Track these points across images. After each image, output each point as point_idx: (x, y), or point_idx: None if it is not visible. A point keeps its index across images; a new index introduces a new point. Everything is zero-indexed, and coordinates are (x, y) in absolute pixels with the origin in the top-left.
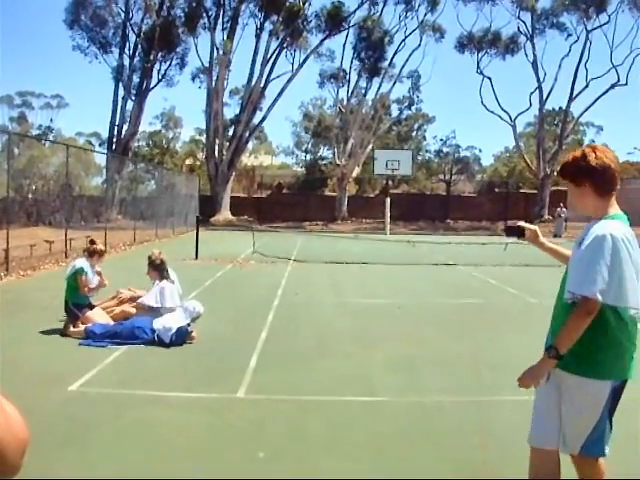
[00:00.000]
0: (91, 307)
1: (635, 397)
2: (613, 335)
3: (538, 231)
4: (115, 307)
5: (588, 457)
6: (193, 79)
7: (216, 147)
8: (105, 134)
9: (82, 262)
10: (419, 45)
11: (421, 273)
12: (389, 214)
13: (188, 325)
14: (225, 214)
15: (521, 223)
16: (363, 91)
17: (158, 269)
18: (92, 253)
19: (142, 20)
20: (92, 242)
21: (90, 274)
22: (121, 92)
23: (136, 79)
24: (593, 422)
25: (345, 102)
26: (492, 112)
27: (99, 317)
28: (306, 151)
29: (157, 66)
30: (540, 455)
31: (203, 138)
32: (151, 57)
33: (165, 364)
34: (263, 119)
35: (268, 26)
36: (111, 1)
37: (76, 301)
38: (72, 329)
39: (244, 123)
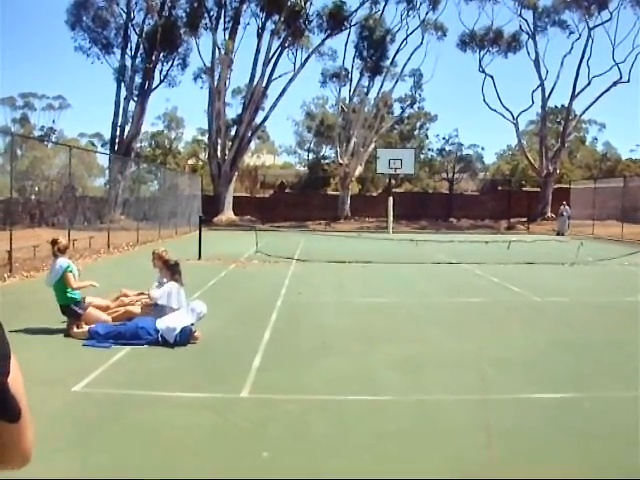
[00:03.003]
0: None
1: (635, 397)
2: None
3: None
4: (119, 307)
5: None
6: (195, 79)
7: (218, 147)
8: (107, 135)
9: (64, 261)
10: (421, 43)
11: (424, 272)
12: (392, 213)
13: (192, 325)
14: (228, 214)
15: None
16: (365, 90)
17: (171, 269)
18: (64, 249)
19: (144, 21)
20: (54, 242)
21: (75, 271)
22: (123, 93)
23: (138, 80)
24: None
25: (347, 101)
26: (494, 110)
27: (99, 313)
28: (308, 150)
29: (159, 66)
30: None
31: (205, 138)
32: (153, 57)
33: (169, 364)
34: (265, 119)
35: (270, 26)
36: (113, 2)
37: (72, 301)
38: (76, 330)
39: (246, 123)
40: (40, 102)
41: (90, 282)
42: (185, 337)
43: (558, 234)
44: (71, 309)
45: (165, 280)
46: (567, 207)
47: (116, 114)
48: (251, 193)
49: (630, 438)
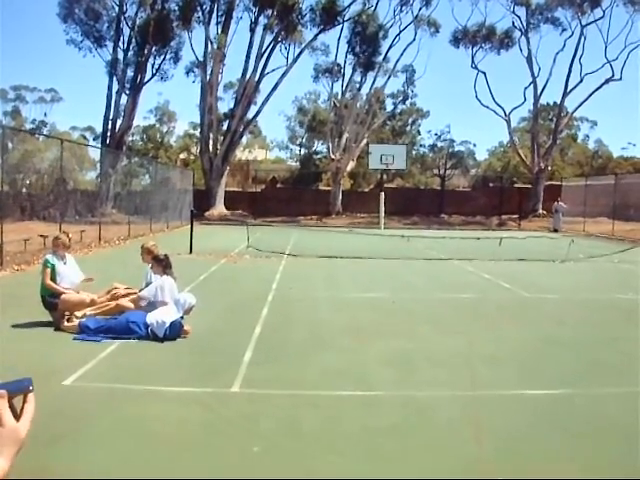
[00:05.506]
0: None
1: (635, 396)
2: None
3: None
4: (110, 301)
5: None
6: (187, 73)
7: (210, 141)
8: (99, 128)
9: (48, 256)
10: (414, 39)
11: (415, 268)
12: (383, 208)
13: (181, 318)
14: (219, 208)
15: None
16: (357, 85)
17: (161, 264)
18: (54, 244)
19: (136, 14)
20: (57, 238)
21: (59, 266)
22: (115, 86)
23: (130, 73)
24: None
25: (339, 96)
26: (486, 107)
27: (74, 297)
28: (300, 145)
29: (151, 60)
30: None
31: (197, 132)
32: (145, 51)
33: (159, 359)
34: (257, 113)
35: (262, 20)
36: None
37: (50, 292)
38: (66, 324)
39: (238, 117)
40: (32, 95)
41: (62, 289)
42: (175, 331)
43: (553, 231)
44: (46, 300)
45: (157, 276)
46: (561, 203)
47: (108, 107)
48: (243, 188)
49: (622, 435)
